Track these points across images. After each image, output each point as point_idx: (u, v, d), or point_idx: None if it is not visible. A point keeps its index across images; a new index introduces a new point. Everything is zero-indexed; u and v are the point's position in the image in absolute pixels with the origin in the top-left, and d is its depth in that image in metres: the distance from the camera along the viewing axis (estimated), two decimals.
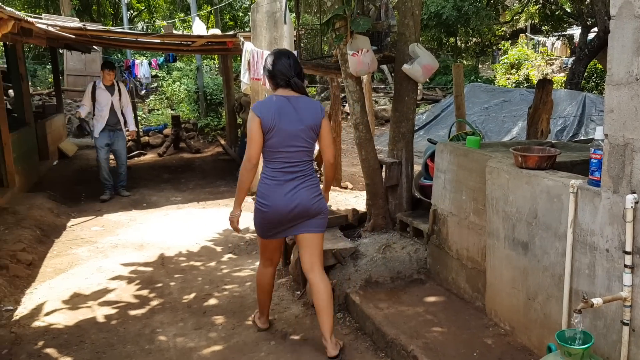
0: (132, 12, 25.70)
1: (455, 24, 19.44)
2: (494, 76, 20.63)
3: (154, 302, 4.42)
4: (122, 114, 8.08)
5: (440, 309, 3.65)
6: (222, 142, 12.50)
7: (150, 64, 16.45)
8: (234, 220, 3.50)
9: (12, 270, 4.90)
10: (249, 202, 7.65)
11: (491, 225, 3.33)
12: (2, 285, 4.57)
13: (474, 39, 23.08)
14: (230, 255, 5.54)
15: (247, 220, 6.55)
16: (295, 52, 6.71)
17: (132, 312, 4.24)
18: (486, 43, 23.83)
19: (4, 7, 5.81)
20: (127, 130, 8.50)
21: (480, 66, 23.38)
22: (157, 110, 16.43)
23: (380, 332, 3.44)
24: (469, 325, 3.40)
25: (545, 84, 5.15)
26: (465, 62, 22.28)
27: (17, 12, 6.60)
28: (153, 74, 17.85)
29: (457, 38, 22.46)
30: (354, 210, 5.08)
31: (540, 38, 23.59)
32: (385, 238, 4.52)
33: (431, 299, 3.82)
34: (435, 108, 15.33)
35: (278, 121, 3.25)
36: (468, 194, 3.64)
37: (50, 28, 7.91)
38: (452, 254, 3.86)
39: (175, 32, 11.04)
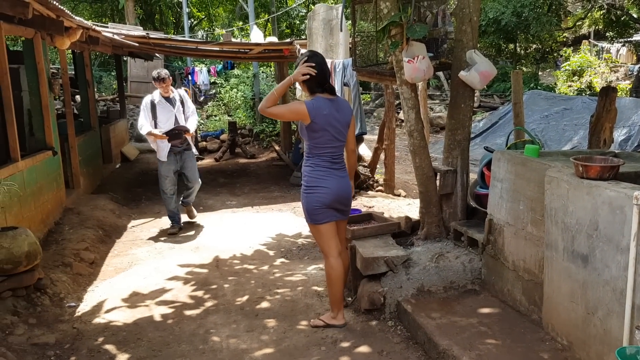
0: (192, 20, 26.44)
1: (515, 30, 19.01)
2: (555, 83, 20.04)
3: (209, 303, 4.52)
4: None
5: (494, 321, 3.57)
6: (277, 148, 12.67)
7: (209, 71, 16.89)
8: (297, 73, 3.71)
9: (76, 268, 5.12)
10: (295, 207, 7.73)
11: (549, 237, 3.24)
12: (66, 283, 4.78)
13: (534, 46, 22.50)
14: (282, 259, 5.60)
15: (299, 225, 6.66)
16: (350, 59, 6.75)
17: (188, 312, 4.35)
18: (547, 49, 23.19)
19: (74, 16, 6.11)
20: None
21: (540, 73, 22.76)
22: (215, 116, 16.83)
23: (432, 342, 3.39)
24: (525, 339, 3.31)
25: (608, 91, 4.97)
26: (524, 69, 21.74)
27: (85, 22, 6.92)
28: (211, 81, 18.29)
29: (517, 44, 21.94)
30: (407, 218, 5.04)
31: (605, 44, 22.76)
32: (439, 247, 4.46)
33: (485, 310, 3.74)
34: (493, 116, 15.04)
35: (328, 121, 3.69)
36: (526, 204, 3.55)
37: (115, 36, 8.26)
38: (508, 265, 3.77)
39: (233, 40, 11.30)
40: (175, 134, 6.36)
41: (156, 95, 6.36)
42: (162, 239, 6.41)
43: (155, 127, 6.29)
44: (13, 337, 3.71)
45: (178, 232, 6.58)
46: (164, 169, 6.47)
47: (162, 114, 6.32)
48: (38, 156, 6.05)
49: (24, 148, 6.13)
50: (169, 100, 6.38)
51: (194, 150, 6.72)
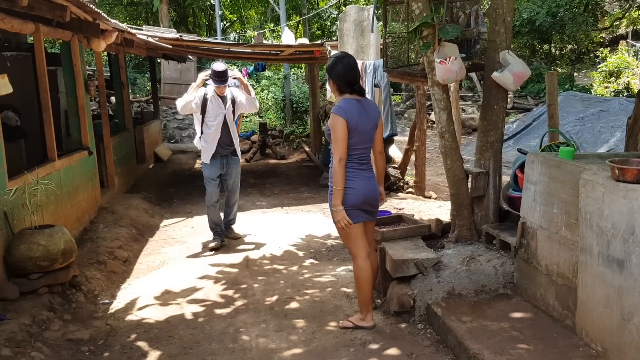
0: (225, 23, 26.71)
1: (550, 31, 18.67)
2: (591, 84, 19.60)
3: (238, 303, 4.56)
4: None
5: (526, 326, 3.51)
6: (307, 149, 12.71)
7: (241, 72, 17.01)
8: (343, 215, 3.73)
9: (110, 266, 5.23)
10: (324, 208, 7.73)
11: (584, 241, 3.17)
12: (100, 280, 4.88)
13: (570, 46, 22.05)
14: (311, 260, 5.61)
15: (328, 226, 6.66)
16: (381, 60, 6.73)
17: (218, 311, 4.39)
18: (583, 50, 22.71)
19: (109, 19, 6.25)
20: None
21: (576, 74, 22.27)
22: (246, 117, 16.96)
23: (463, 346, 3.36)
24: (558, 345, 3.25)
25: None
26: (559, 69, 21.33)
27: (121, 24, 7.07)
28: None
29: (552, 45, 21.54)
30: (438, 220, 5.00)
31: None
32: (470, 250, 4.41)
33: (517, 314, 3.68)
34: (527, 117, 14.81)
35: (358, 123, 3.69)
36: (560, 207, 3.49)
37: (149, 39, 8.41)
38: (541, 269, 3.71)
39: (265, 42, 11.38)
40: (221, 78, 5.80)
41: (210, 90, 5.93)
42: (194, 238, 6.47)
43: (202, 122, 5.93)
44: (49, 333, 3.80)
45: (221, 246, 6.10)
46: (209, 171, 6.09)
47: (211, 111, 5.91)
48: (74, 156, 6.19)
49: (60, 148, 6.29)
50: (222, 98, 5.98)
51: (240, 156, 6.33)
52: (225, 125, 5.97)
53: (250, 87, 6.24)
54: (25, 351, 3.45)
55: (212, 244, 6.06)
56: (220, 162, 6.07)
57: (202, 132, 5.99)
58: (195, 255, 5.83)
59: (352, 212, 3.76)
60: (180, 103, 5.87)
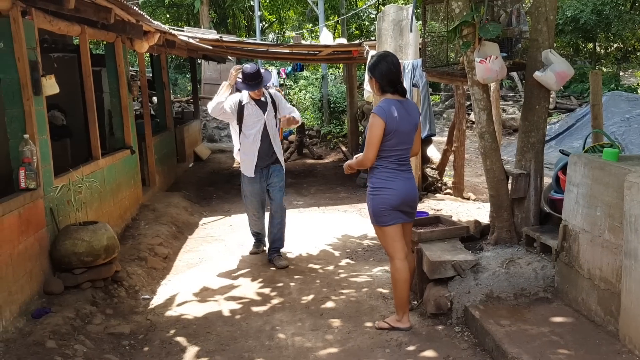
0: (264, 23, 26.96)
1: (594, 29, 18.18)
2: (637, 84, 19.00)
3: (275, 301, 4.60)
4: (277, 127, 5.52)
5: (567, 331, 3.43)
6: (344, 149, 12.70)
7: (279, 73, 17.15)
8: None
9: (150, 262, 5.34)
10: (361, 209, 7.71)
11: (628, 245, 3.08)
12: (141, 276, 5.00)
13: (615, 45, 21.43)
14: (347, 260, 5.61)
15: (364, 226, 6.64)
16: (419, 60, 6.67)
17: (255, 309, 4.44)
18: (629, 49, 22.02)
19: (152, 21, 6.39)
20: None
21: (621, 73, 21.62)
22: None
23: (501, 349, 3.30)
24: (599, 351, 3.16)
25: None
26: (604, 69, 20.74)
27: (163, 26, 7.22)
28: (281, 82, 18.59)
29: (596, 44, 20.97)
30: (476, 222, 4.93)
31: None
32: (509, 252, 4.34)
33: (558, 319, 3.60)
34: (570, 118, 14.45)
35: (399, 124, 3.65)
36: (603, 210, 3.39)
37: (190, 40, 8.56)
38: (583, 273, 3.61)
39: (303, 42, 11.44)
40: (254, 81, 5.16)
41: (245, 96, 5.28)
42: (232, 236, 6.55)
43: (240, 132, 5.33)
44: (91, 326, 3.91)
45: (260, 252, 5.78)
46: (249, 188, 5.44)
47: (249, 119, 5.24)
48: (117, 155, 6.35)
49: (104, 147, 6.46)
50: (259, 103, 5.29)
51: (283, 165, 5.56)
52: (265, 132, 5.27)
53: (295, 115, 5.51)
54: (68, 344, 3.56)
55: (253, 250, 5.82)
56: (261, 175, 5.38)
57: (240, 143, 5.41)
58: (233, 253, 5.90)
59: (390, 213, 3.75)
60: (210, 105, 5.30)
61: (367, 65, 3.93)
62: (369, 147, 3.68)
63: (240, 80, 5.23)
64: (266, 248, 5.74)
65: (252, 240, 5.91)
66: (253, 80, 5.16)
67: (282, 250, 5.66)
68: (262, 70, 5.25)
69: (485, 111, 4.43)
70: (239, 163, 5.62)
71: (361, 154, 3.81)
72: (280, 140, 5.65)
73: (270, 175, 5.41)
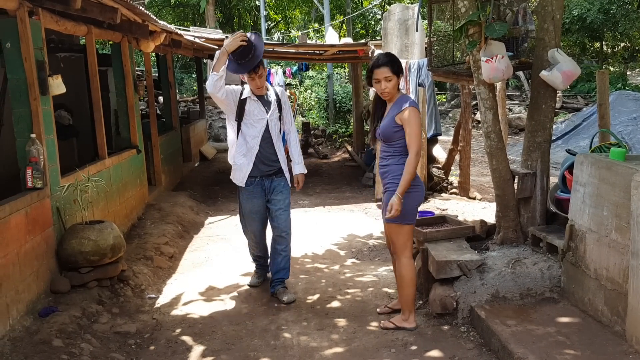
0: (269, 23, 26.98)
1: (601, 28, 18.12)
2: None
3: None
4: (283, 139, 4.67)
5: (573, 331, 3.42)
6: (349, 148, 12.70)
7: (284, 72, 17.16)
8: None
9: (156, 261, 5.36)
10: (366, 208, 7.71)
11: (635, 245, 3.06)
12: (147, 275, 5.01)
13: (622, 44, 21.33)
14: (353, 260, 5.61)
15: (370, 226, 6.64)
16: (425, 59, 6.66)
17: (260, 308, 4.44)
18: (636, 48, 21.91)
19: (158, 21, 6.40)
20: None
21: (629, 73, 21.52)
22: None
23: (507, 350, 3.29)
24: (606, 351, 3.15)
25: None
26: (611, 68, 20.65)
27: (169, 26, 7.24)
28: (286, 82, 18.61)
29: (603, 43, 20.88)
30: (482, 222, 4.92)
31: None
32: (516, 252, 4.32)
33: (564, 319, 3.59)
34: (576, 117, 14.41)
35: None
36: (610, 210, 3.38)
37: (196, 40, 8.57)
38: (590, 274, 3.60)
39: (308, 41, 11.44)
40: (244, 59, 4.25)
41: (247, 90, 4.45)
42: (238, 236, 6.55)
43: (239, 131, 4.41)
44: (98, 325, 3.92)
45: (261, 283, 4.89)
46: (248, 206, 4.55)
47: (249, 116, 4.38)
48: (123, 154, 6.37)
49: (110, 146, 6.48)
50: (262, 100, 4.46)
51: (288, 178, 4.63)
52: (266, 135, 4.43)
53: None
54: (75, 342, 3.57)
55: (252, 281, 4.91)
56: (261, 186, 4.49)
57: (236, 145, 4.50)
58: (239, 252, 5.90)
59: (416, 210, 3.89)
60: (209, 83, 4.19)
61: (395, 66, 3.79)
62: (418, 139, 3.72)
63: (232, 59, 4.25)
64: (267, 274, 4.91)
65: None
66: (243, 58, 4.23)
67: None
68: (252, 37, 4.28)
69: (492, 110, 4.42)
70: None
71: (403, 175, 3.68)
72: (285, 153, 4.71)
73: (272, 190, 4.52)
